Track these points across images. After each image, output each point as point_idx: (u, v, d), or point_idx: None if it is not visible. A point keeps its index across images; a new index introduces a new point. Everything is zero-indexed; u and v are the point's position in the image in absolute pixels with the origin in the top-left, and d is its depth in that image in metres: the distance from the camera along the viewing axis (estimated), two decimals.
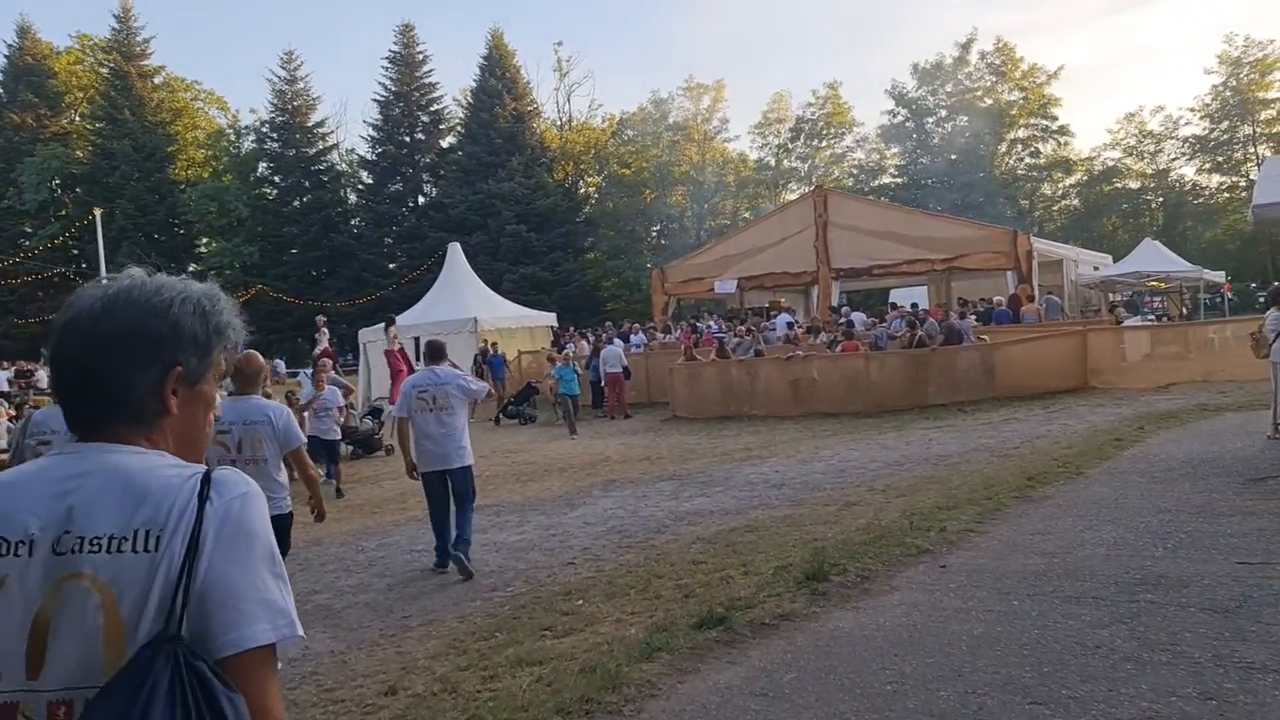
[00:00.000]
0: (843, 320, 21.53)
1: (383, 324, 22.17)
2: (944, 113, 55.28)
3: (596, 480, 11.79)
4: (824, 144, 58.13)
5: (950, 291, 28.52)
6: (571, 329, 28.71)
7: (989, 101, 53.62)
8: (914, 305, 23.58)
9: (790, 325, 22.71)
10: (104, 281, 1.46)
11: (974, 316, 20.84)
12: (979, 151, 51.94)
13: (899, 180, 54.49)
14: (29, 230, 52.03)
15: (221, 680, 1.24)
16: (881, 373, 18.23)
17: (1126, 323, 21.52)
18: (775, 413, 18.19)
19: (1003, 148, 54.68)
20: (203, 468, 1.38)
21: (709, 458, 13.40)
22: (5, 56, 54.17)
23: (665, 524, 8.54)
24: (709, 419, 18.72)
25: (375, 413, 16.55)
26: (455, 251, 29.01)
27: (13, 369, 29.54)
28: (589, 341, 23.94)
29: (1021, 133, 54.78)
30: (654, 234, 57.68)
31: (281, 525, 5.18)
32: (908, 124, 55.13)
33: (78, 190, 54.02)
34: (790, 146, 58.12)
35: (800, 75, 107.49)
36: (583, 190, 57.82)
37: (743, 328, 22.46)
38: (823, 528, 7.58)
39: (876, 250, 24.97)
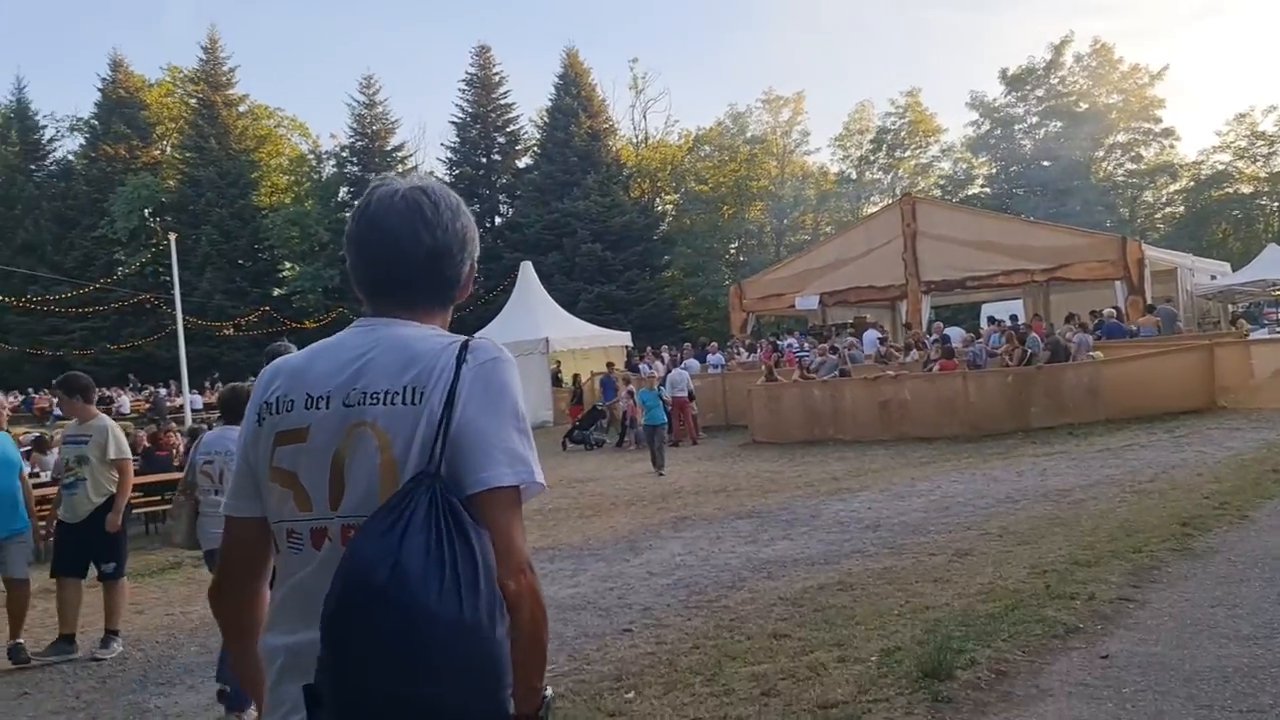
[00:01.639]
0: (936, 337, 19.90)
1: None
2: (1035, 119, 52.77)
3: (666, 517, 10.58)
4: (908, 154, 56.09)
5: (1048, 304, 26.62)
6: (648, 349, 27.62)
7: (1085, 106, 50.99)
8: (1013, 319, 21.87)
9: (882, 341, 21.19)
10: (388, 182, 1.65)
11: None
12: (1075, 158, 49.29)
13: (987, 190, 52.14)
14: (121, 258, 53.16)
15: (469, 512, 1.42)
16: (981, 393, 16.67)
17: (1252, 335, 19.49)
18: (863, 437, 16.78)
19: (1101, 153, 51.91)
20: (464, 337, 1.58)
21: (792, 489, 12.10)
22: (99, 89, 55.66)
23: (741, 576, 7.28)
24: (791, 444, 17.38)
25: None
26: (527, 271, 28.22)
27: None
28: (664, 362, 22.76)
29: (1122, 137, 51.92)
30: (732, 250, 56.30)
31: None
32: (996, 132, 52.80)
33: (167, 218, 55.13)
34: (872, 158, 56.22)
35: (883, 84, 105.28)
36: (659, 207, 56.85)
37: (825, 345, 21.02)
38: (933, 588, 6.25)
39: (970, 261, 23.30)
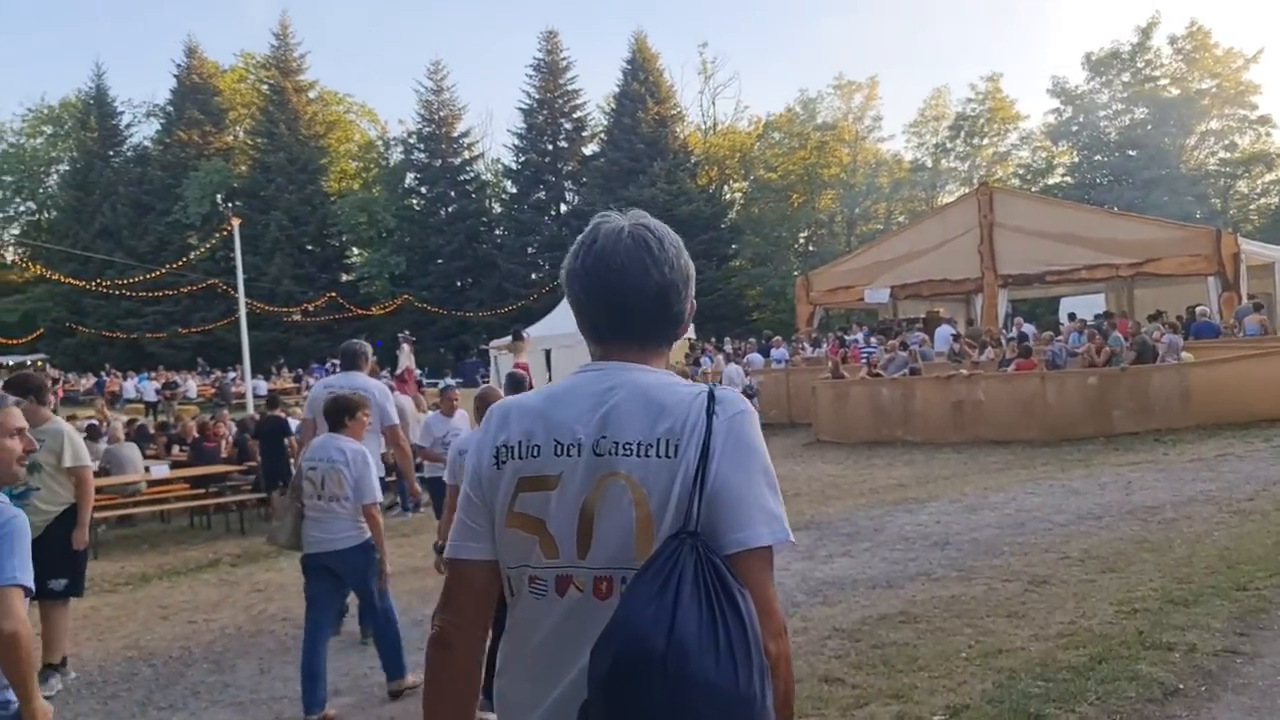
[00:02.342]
0: (1013, 335, 18.90)
1: (510, 335, 20.98)
2: (1120, 105, 50.56)
3: None
4: (986, 142, 54.27)
5: (1132, 300, 25.34)
6: (710, 340, 26.98)
7: (1176, 91, 48.71)
8: (1102, 315, 20.76)
9: (956, 338, 20.26)
10: (611, 219, 1.64)
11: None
12: (1163, 145, 47.08)
13: (1069, 180, 50.16)
14: (194, 242, 54.15)
15: (732, 573, 1.42)
16: (1060, 395, 15.74)
17: None
18: (933, 439, 15.99)
19: (1191, 141, 49.56)
20: (706, 386, 1.58)
21: (855, 497, 11.44)
22: (174, 76, 56.69)
23: (795, 598, 6.69)
24: (856, 444, 16.67)
25: None
26: None
27: (160, 380, 29.97)
28: (725, 355, 22.10)
29: (1215, 124, 49.53)
30: (802, 240, 55.20)
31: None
32: (1078, 118, 50.73)
33: (238, 203, 55.96)
34: (949, 145, 54.54)
35: (960, 70, 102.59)
36: (727, 196, 55.99)
37: (895, 341, 20.14)
38: (1006, 625, 5.59)
39: (1050, 254, 22.18)
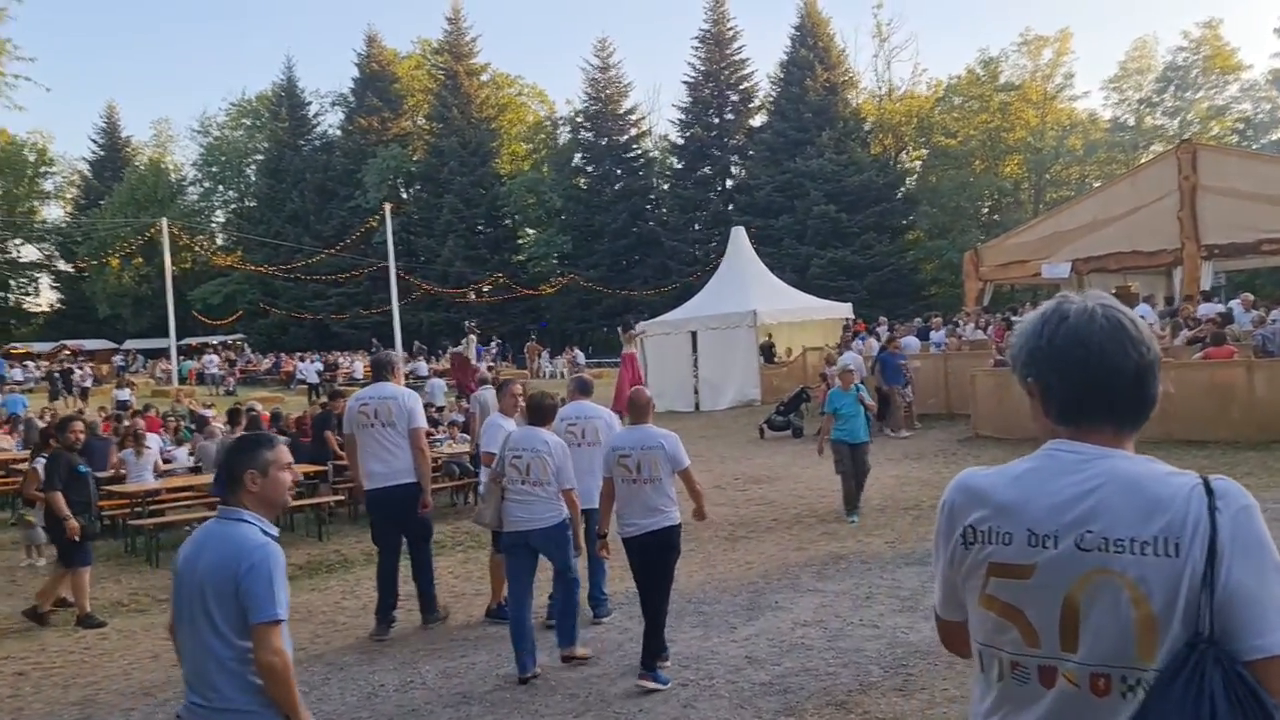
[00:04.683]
0: (1208, 318, 16.25)
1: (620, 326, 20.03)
2: None
3: (820, 551, 8.57)
4: (1200, 95, 48.75)
5: None
6: (854, 320, 25.07)
7: None
8: None
9: (1168, 314, 17.74)
10: (1074, 300, 1.61)
11: None
12: None
13: None
14: (374, 225, 56.23)
15: (1260, 686, 1.39)
16: (1272, 387, 13.30)
17: None
18: None
19: None
20: (1196, 476, 1.51)
21: None
22: (355, 65, 58.79)
23: (868, 677, 5.31)
24: (1021, 440, 14.68)
25: None
26: (738, 237, 26.28)
27: (320, 361, 30.82)
28: (878, 339, 20.27)
29: None
30: (984, 210, 51.52)
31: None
32: None
33: (416, 188, 57.64)
34: (1156, 100, 49.37)
35: (1168, 18, 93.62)
36: (903, 164, 52.95)
37: None
38: None
39: (1267, 220, 19.10)
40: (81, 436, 8.61)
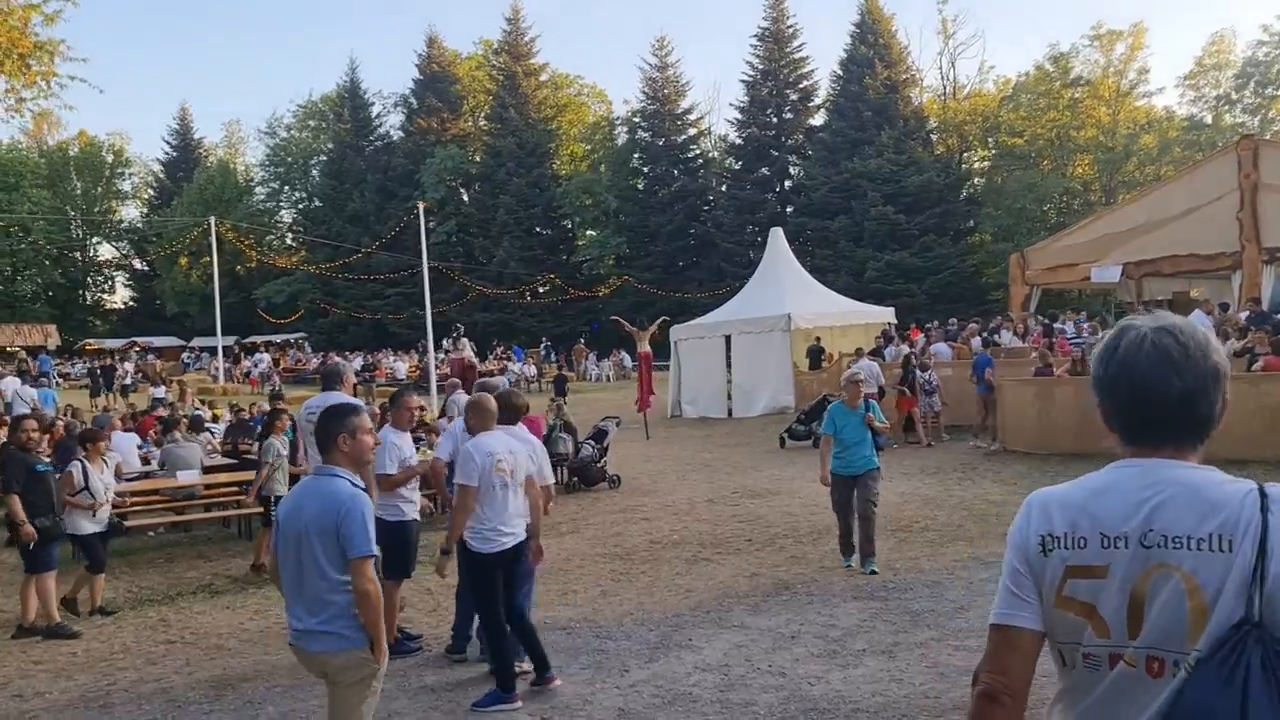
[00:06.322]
0: (1266, 326, 15.13)
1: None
2: None
3: (771, 577, 7.95)
4: None
5: None
6: (889, 325, 24.07)
7: None
8: None
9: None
10: (1135, 326, 1.70)
11: None
12: None
13: None
14: (432, 225, 56.70)
15: None
16: None
17: None
18: None
19: None
20: (1253, 483, 1.63)
21: (996, 539, 8.82)
22: (416, 66, 59.30)
23: None
24: (1055, 455, 13.83)
25: (599, 435, 13.80)
26: (776, 239, 25.69)
27: (359, 359, 30.92)
28: (912, 346, 19.41)
29: None
30: (1050, 212, 49.73)
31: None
32: None
33: (475, 188, 57.93)
34: (1235, 97, 47.10)
35: (1248, 11, 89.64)
36: (968, 164, 51.40)
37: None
38: None
39: None
40: (35, 435, 8.44)
